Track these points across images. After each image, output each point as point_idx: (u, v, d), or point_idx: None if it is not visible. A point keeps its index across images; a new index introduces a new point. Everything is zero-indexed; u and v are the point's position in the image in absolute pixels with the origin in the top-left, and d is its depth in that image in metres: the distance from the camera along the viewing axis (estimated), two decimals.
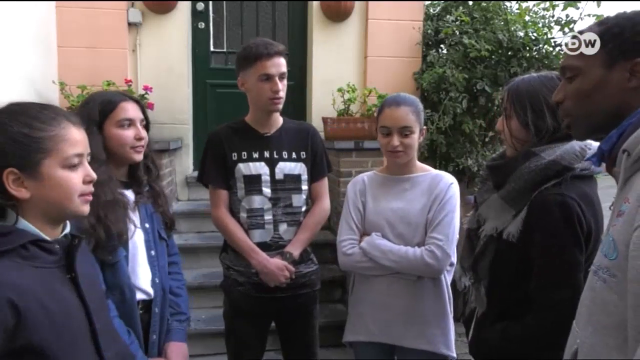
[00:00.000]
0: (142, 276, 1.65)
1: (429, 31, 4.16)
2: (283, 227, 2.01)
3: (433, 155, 3.85)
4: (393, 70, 4.10)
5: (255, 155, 2.00)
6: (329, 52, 4.18)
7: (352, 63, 4.21)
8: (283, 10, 4.38)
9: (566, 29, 3.73)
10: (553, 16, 3.86)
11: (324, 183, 2.14)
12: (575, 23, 3.70)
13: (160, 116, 3.81)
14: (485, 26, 3.85)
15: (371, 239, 1.88)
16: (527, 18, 3.93)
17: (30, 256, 1.01)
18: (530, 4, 4.03)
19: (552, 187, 1.32)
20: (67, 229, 1.15)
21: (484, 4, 3.98)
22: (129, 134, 1.61)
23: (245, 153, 2.00)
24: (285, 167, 2.01)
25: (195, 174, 4.10)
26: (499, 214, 1.42)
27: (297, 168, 2.03)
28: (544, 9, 3.96)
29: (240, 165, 1.99)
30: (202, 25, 4.24)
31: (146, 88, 3.70)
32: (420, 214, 1.86)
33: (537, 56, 3.77)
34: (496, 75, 3.69)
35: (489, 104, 3.83)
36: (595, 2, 3.57)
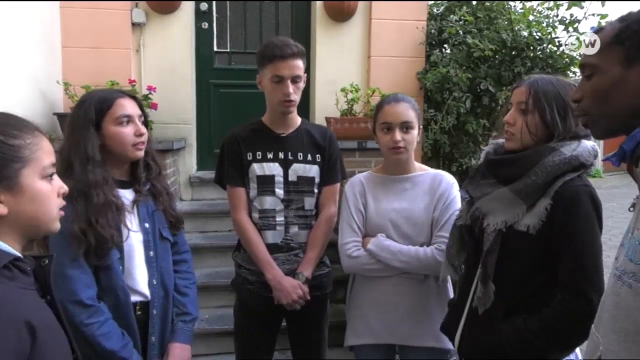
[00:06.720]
0: (139, 278, 1.62)
1: (433, 31, 4.15)
2: (294, 229, 1.99)
3: (436, 155, 3.85)
4: (396, 70, 4.09)
5: (270, 155, 1.97)
6: (332, 52, 4.18)
7: (355, 63, 4.20)
8: (286, 10, 4.38)
9: (570, 29, 3.71)
10: (557, 16, 3.84)
11: (334, 189, 2.07)
12: (579, 22, 3.68)
13: (163, 116, 3.82)
14: (489, 26, 3.84)
15: (378, 240, 1.86)
16: (531, 17, 3.92)
17: (13, 277, 0.90)
18: (534, 3, 4.02)
19: (576, 179, 1.38)
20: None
21: (487, 3, 3.98)
22: (128, 131, 1.57)
23: (260, 153, 1.98)
24: (299, 169, 1.99)
25: (199, 173, 4.18)
26: (508, 207, 1.42)
27: (312, 170, 2.00)
28: (548, 9, 3.94)
29: (255, 165, 1.97)
30: (205, 25, 4.24)
31: (150, 88, 3.70)
32: (425, 213, 1.86)
33: (541, 56, 3.75)
34: (500, 75, 3.68)
35: (493, 104, 3.82)
36: (600, 1, 3.55)
